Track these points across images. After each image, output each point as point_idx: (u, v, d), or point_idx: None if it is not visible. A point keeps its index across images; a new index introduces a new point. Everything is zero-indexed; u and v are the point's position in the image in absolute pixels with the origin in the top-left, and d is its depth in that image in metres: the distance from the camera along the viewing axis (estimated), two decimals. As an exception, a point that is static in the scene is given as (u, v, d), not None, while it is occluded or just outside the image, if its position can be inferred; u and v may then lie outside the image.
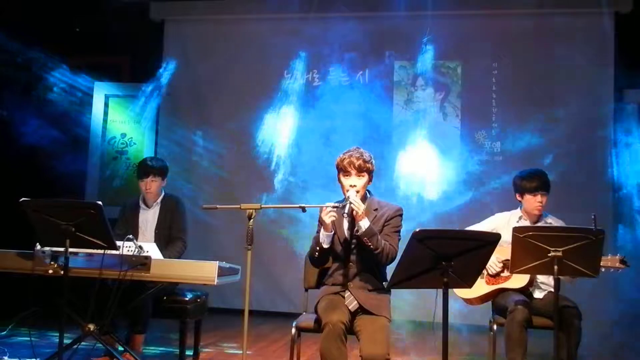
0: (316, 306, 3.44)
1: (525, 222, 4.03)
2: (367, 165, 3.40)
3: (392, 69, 7.10)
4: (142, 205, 4.52)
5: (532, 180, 3.99)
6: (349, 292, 3.39)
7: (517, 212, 4.12)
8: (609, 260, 3.60)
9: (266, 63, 7.08)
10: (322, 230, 3.38)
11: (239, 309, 3.35)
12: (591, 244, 3.08)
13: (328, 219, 3.29)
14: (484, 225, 4.13)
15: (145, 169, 4.46)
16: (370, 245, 3.29)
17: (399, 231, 3.49)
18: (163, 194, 4.56)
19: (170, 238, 4.42)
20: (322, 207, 3.32)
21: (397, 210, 3.51)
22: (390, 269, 3.19)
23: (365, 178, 3.41)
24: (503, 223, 4.06)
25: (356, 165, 3.37)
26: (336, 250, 3.48)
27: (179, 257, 4.30)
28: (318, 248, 3.42)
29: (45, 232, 3.46)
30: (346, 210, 3.25)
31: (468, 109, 6.89)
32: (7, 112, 7.03)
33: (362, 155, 3.40)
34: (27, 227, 3.53)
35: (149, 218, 4.48)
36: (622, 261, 3.64)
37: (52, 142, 6.82)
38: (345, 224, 3.47)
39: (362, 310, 3.35)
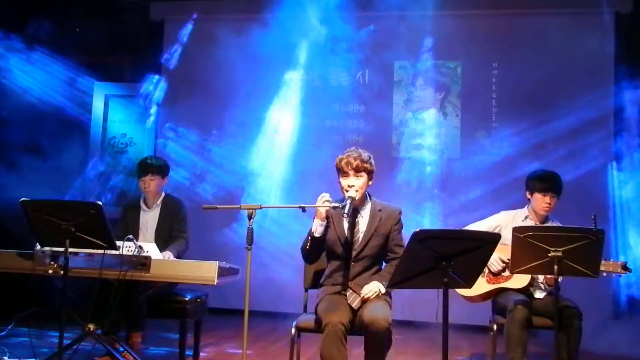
0: (316, 307, 3.44)
1: (530, 222, 4.03)
2: (365, 165, 3.40)
3: (392, 69, 7.11)
4: (142, 206, 4.51)
5: (544, 181, 4.00)
6: (351, 290, 3.40)
7: (523, 211, 4.12)
8: (610, 265, 3.60)
9: (266, 63, 7.08)
10: (315, 218, 3.38)
11: (239, 309, 3.35)
12: (591, 244, 3.08)
13: (322, 208, 3.30)
14: (488, 223, 4.13)
15: (144, 167, 4.46)
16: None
17: (401, 230, 3.56)
18: (163, 194, 4.55)
19: (171, 238, 4.40)
20: (320, 206, 3.32)
21: (400, 213, 3.57)
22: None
23: (363, 178, 3.41)
24: (507, 221, 4.06)
25: (354, 166, 3.37)
26: (336, 251, 3.48)
27: (183, 254, 4.31)
28: (310, 238, 3.41)
29: (45, 232, 3.45)
30: (346, 210, 3.25)
31: (468, 109, 6.89)
32: (6, 112, 7.03)
33: (360, 155, 3.40)
34: (26, 227, 3.52)
35: (149, 219, 4.47)
36: (624, 267, 3.63)
37: (52, 142, 6.82)
38: (345, 224, 3.47)
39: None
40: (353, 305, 3.35)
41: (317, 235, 3.40)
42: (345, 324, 3.17)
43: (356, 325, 3.27)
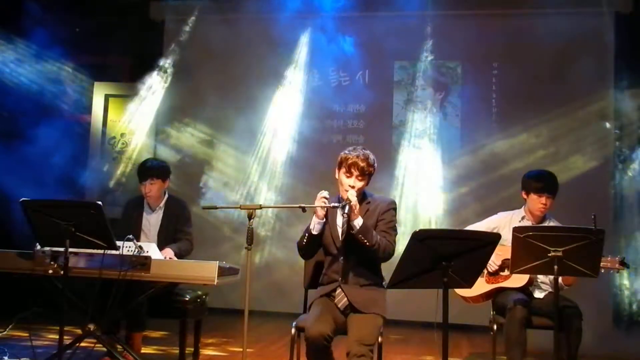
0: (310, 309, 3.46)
1: (528, 223, 4.03)
2: (370, 169, 3.40)
3: (392, 69, 7.11)
4: (145, 207, 4.47)
5: (539, 181, 4.00)
6: (340, 289, 3.38)
7: (520, 212, 4.12)
8: (608, 262, 3.60)
9: (266, 63, 7.09)
10: (313, 217, 3.37)
11: (239, 309, 3.35)
12: (591, 244, 3.08)
13: (320, 209, 3.28)
14: (486, 224, 4.13)
15: (144, 171, 4.39)
16: (366, 243, 3.28)
17: (394, 227, 3.47)
18: (167, 196, 4.50)
19: (175, 240, 4.37)
20: (321, 206, 3.31)
21: (390, 204, 3.49)
22: (387, 268, 3.19)
23: (365, 181, 3.41)
24: (505, 222, 4.07)
25: (360, 168, 3.36)
26: (330, 249, 3.47)
27: (186, 254, 4.30)
28: (307, 234, 3.40)
29: (45, 232, 3.45)
30: (346, 211, 3.24)
31: (468, 109, 6.89)
32: (7, 112, 7.03)
33: (367, 158, 3.38)
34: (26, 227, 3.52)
35: (152, 221, 4.43)
36: (621, 262, 3.64)
37: (52, 142, 6.81)
38: (340, 222, 3.45)
39: (352, 309, 3.34)
40: (339, 306, 3.35)
41: (314, 232, 3.39)
42: (327, 335, 3.14)
43: (343, 329, 3.28)
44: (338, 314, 3.34)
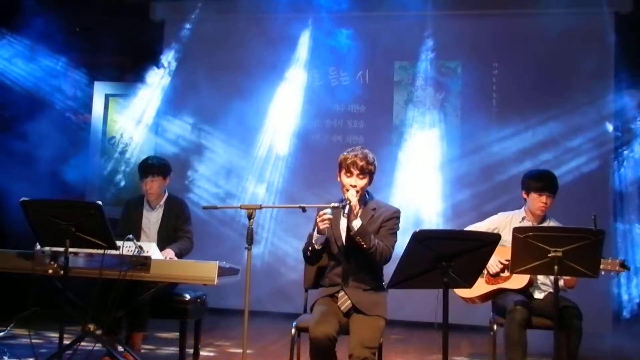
0: (312, 309, 3.45)
1: (528, 223, 4.03)
2: (370, 167, 3.41)
3: (392, 69, 7.11)
4: (145, 205, 4.48)
5: (539, 180, 4.01)
6: (343, 292, 3.39)
7: (520, 213, 4.12)
8: (609, 264, 3.60)
9: (266, 63, 7.08)
10: (315, 232, 3.39)
11: (239, 309, 3.35)
12: (591, 244, 3.07)
13: (322, 225, 3.29)
14: (486, 225, 4.12)
15: (145, 168, 4.42)
16: (363, 245, 3.29)
17: (395, 233, 3.49)
18: (167, 195, 4.51)
19: (175, 239, 4.38)
20: (321, 207, 3.31)
21: (395, 212, 3.51)
22: (387, 269, 3.19)
23: (366, 179, 3.41)
24: (505, 223, 4.07)
25: (359, 167, 3.37)
26: (333, 251, 3.48)
27: (186, 253, 4.31)
28: (310, 248, 3.43)
29: (45, 232, 3.46)
30: (347, 211, 3.25)
31: (468, 109, 6.89)
32: (8, 112, 7.02)
33: (366, 157, 3.40)
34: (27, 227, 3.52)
35: (152, 219, 4.45)
36: (622, 265, 3.63)
37: (52, 142, 6.81)
38: (343, 225, 3.47)
39: (355, 310, 3.35)
40: (342, 309, 3.36)
41: (317, 247, 3.41)
42: (332, 336, 3.14)
43: (345, 329, 3.29)
44: (341, 315, 3.35)
